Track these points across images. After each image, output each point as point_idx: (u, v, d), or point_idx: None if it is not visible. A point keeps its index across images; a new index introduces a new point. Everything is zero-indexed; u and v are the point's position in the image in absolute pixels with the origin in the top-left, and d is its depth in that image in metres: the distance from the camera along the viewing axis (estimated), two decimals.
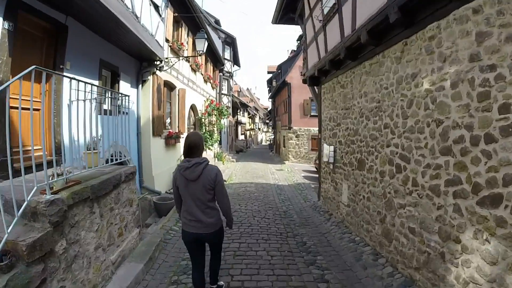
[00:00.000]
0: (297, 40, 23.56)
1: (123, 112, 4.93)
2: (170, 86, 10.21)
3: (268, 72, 34.55)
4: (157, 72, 8.48)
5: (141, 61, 7.98)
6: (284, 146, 21.59)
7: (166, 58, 8.56)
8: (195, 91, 13.28)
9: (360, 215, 5.26)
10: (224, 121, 23.69)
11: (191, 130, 13.29)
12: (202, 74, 14.49)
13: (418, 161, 3.45)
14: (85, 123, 3.27)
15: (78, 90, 3.18)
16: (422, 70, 3.38)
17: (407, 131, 3.71)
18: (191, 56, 10.69)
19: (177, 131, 10.25)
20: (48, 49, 4.24)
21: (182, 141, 10.77)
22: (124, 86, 7.02)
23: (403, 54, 3.80)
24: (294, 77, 20.05)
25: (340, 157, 6.25)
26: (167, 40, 9.16)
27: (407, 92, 3.73)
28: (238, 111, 33.84)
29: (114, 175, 3.75)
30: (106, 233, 3.45)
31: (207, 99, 14.41)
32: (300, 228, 5.91)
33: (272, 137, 38.36)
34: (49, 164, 2.95)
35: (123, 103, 4.92)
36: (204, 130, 13.72)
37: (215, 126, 14.22)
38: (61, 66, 4.37)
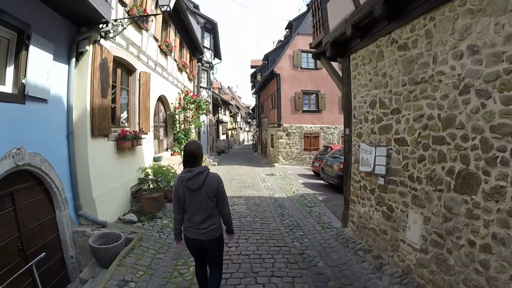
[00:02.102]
0: (286, 28, 21.08)
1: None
2: (126, 68, 7.46)
3: (252, 67, 31.91)
4: (102, 41, 5.78)
5: (78, 24, 5.33)
6: (273, 146, 19.05)
7: (115, 21, 5.81)
8: (166, 79, 10.51)
9: (456, 272, 2.78)
10: (204, 119, 20.95)
11: (162, 129, 10.52)
12: (175, 60, 11.72)
13: None
14: None
15: None
16: None
17: None
18: (152, 15, 7.86)
19: (136, 129, 7.50)
20: None
21: (146, 143, 8.06)
22: (40, 58, 4.28)
23: None
24: (284, 67, 17.55)
25: (403, 166, 3.72)
26: (122, 3, 6.46)
27: None
28: (219, 109, 31.17)
29: None
30: None
31: (181, 91, 11.64)
32: None
33: (256, 136, 35.87)
34: None
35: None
36: (176, 129, 10.95)
37: (192, 123, 11.48)
38: None
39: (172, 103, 10.79)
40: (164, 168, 7.72)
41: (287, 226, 5.87)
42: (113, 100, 6.94)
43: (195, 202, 2.71)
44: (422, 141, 3.33)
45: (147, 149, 8.27)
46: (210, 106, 21.40)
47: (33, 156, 4.05)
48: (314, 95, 18.09)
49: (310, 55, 18.63)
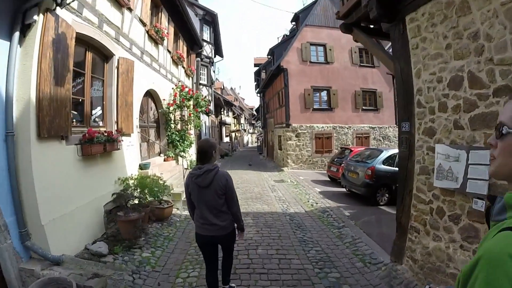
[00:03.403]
0: (292, 21, 19.42)
1: None
2: (100, 52, 5.89)
3: (255, 65, 30.28)
4: (60, 12, 4.27)
5: None
6: (280, 149, 17.36)
7: None
8: (157, 72, 8.90)
9: None
10: (205, 120, 19.33)
11: (152, 131, 8.90)
12: (169, 52, 10.12)
13: None
14: None
15: None
16: None
17: None
18: None
19: (113, 130, 5.89)
20: None
21: (128, 147, 6.47)
22: None
23: None
24: (292, 61, 15.89)
25: None
26: None
27: None
28: (222, 110, 29.60)
29: None
30: None
31: (176, 86, 10.01)
32: None
33: (261, 138, 34.20)
34: None
35: None
36: (171, 130, 9.31)
37: (189, 123, 9.83)
38: None
39: (164, 99, 9.16)
40: (148, 179, 6.09)
41: (315, 262, 4.16)
42: (80, 92, 5.37)
43: (204, 199, 2.76)
44: None
45: (130, 154, 6.65)
46: (212, 106, 19.80)
47: None
48: (325, 91, 16.40)
49: (320, 48, 17.04)
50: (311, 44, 16.35)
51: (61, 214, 4.23)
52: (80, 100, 5.35)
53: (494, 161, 0.81)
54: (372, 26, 4.85)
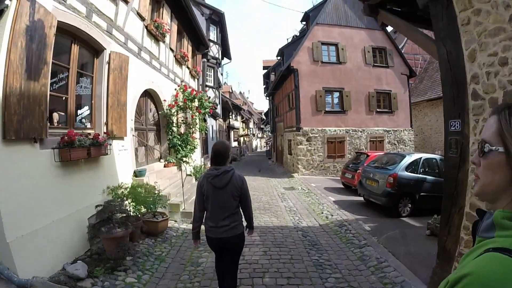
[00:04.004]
0: (302, 21, 18.65)
1: None
2: (89, 45, 5.31)
3: (264, 68, 29.57)
4: None
5: None
6: (290, 154, 16.55)
7: None
8: (158, 71, 8.26)
9: None
10: (212, 123, 18.67)
11: (152, 134, 8.23)
12: (172, 50, 9.48)
13: None
14: None
15: None
16: None
17: None
18: None
19: (102, 133, 5.24)
20: None
21: (120, 151, 5.81)
22: None
23: None
24: (303, 61, 15.12)
25: None
26: None
27: None
28: (230, 114, 28.96)
29: None
30: None
31: (179, 86, 9.33)
32: None
33: (270, 142, 33.42)
34: None
35: None
36: (173, 134, 8.62)
37: (193, 126, 9.13)
38: None
39: (165, 100, 8.49)
40: (140, 188, 5.38)
41: None
42: (63, 89, 4.73)
43: (218, 200, 2.77)
44: None
45: (123, 160, 5.97)
46: (220, 110, 19.15)
47: None
48: (338, 93, 15.57)
49: (331, 47, 16.22)
50: (323, 44, 15.57)
51: (33, 229, 3.59)
52: (64, 98, 4.72)
53: (478, 180, 0.80)
54: (399, 9, 4.08)
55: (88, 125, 5.32)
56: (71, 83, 4.82)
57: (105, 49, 5.52)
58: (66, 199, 4.26)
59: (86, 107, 5.32)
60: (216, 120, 20.22)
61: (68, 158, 4.12)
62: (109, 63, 5.59)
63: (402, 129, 16.49)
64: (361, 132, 15.63)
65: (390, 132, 16.23)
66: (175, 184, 7.50)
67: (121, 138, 6.01)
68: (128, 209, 5.28)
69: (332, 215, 6.80)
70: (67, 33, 4.67)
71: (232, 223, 2.79)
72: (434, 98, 18.79)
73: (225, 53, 20.48)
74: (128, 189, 5.49)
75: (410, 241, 5.36)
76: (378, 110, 16.04)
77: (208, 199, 2.78)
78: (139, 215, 5.53)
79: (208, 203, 2.81)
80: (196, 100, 8.75)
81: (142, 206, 5.51)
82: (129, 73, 6.28)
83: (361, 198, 8.34)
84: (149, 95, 8.14)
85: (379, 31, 16.51)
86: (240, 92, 54.49)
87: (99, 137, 4.88)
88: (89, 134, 4.85)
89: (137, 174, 6.49)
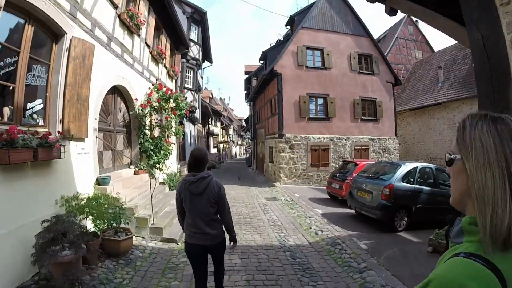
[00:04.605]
0: (287, 25, 18.14)
1: None
2: (46, 27, 4.45)
3: (245, 73, 28.92)
4: None
5: None
6: (272, 161, 15.84)
7: None
8: (130, 66, 7.39)
9: None
10: (191, 128, 17.73)
11: (121, 137, 7.31)
12: (148, 45, 8.63)
13: None
14: None
15: None
16: None
17: None
18: None
19: (55, 132, 4.35)
20: None
21: (79, 155, 4.90)
22: None
23: None
24: (287, 65, 14.55)
25: None
26: None
27: None
28: (210, 119, 28.05)
29: None
30: None
31: (153, 85, 8.44)
32: None
33: (250, 150, 32.65)
34: None
35: None
36: (145, 137, 7.73)
37: (167, 130, 8.25)
38: None
39: (136, 99, 7.59)
40: (99, 201, 4.48)
41: None
42: (10, 76, 3.85)
43: (196, 207, 2.72)
44: None
45: (82, 165, 5.05)
46: (198, 114, 18.25)
47: None
48: (322, 99, 15.07)
49: (317, 52, 15.71)
50: (308, 48, 15.09)
51: None
52: (11, 88, 3.82)
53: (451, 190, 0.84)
54: None
55: (41, 122, 4.41)
56: (21, 70, 3.93)
57: (66, 33, 4.66)
58: (7, 211, 3.36)
59: (39, 101, 4.41)
60: (194, 125, 19.29)
61: (7, 161, 3.22)
62: (69, 50, 4.71)
63: (387, 138, 16.22)
64: (345, 140, 15.17)
65: (375, 141, 15.89)
66: (145, 194, 6.56)
67: (81, 140, 5.10)
68: (84, 225, 4.37)
69: (322, 231, 6.08)
70: (19, 10, 3.83)
71: (213, 230, 2.75)
72: (417, 107, 18.78)
73: (206, 55, 19.70)
74: (83, 200, 4.58)
75: (412, 261, 4.74)
76: (363, 117, 15.69)
77: (187, 206, 2.74)
78: (99, 232, 4.62)
79: (187, 210, 2.76)
80: (171, 100, 7.89)
81: (103, 221, 4.61)
82: (94, 64, 5.40)
83: (351, 210, 7.71)
84: (119, 92, 7.23)
85: (365, 37, 16.29)
86: (221, 98, 53.67)
87: (50, 136, 3.98)
88: (37, 132, 3.94)
89: (100, 182, 5.57)
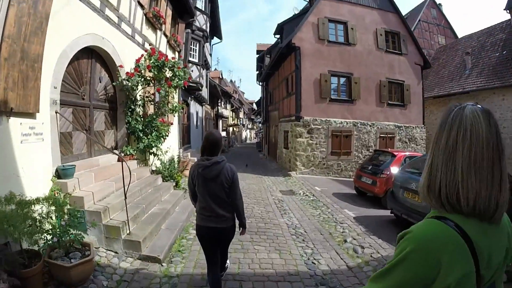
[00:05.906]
0: None
1: None
2: None
3: (258, 52, 26.89)
4: None
5: None
6: (287, 147, 14.19)
7: None
8: (115, 26, 5.80)
9: None
10: (198, 109, 16.13)
11: (101, 114, 5.76)
12: (142, 6, 6.97)
13: None
14: None
15: None
16: None
17: None
18: None
19: None
20: None
21: (24, 137, 3.29)
22: None
23: None
24: (306, 38, 12.68)
25: None
26: None
27: None
28: (219, 101, 26.38)
29: None
30: None
31: (146, 51, 6.77)
32: None
33: (261, 134, 30.97)
34: None
35: None
36: (130, 117, 6.16)
37: (163, 106, 6.64)
38: None
39: (121, 66, 5.98)
40: (40, 205, 2.95)
41: None
42: None
43: (209, 191, 2.67)
44: None
45: (31, 152, 3.52)
46: (206, 94, 16.59)
47: None
48: (345, 78, 13.23)
49: (339, 26, 13.67)
50: (330, 21, 13.15)
51: None
52: None
53: None
54: None
55: None
56: None
57: None
58: None
59: None
60: (202, 106, 17.65)
61: None
62: None
63: (414, 126, 14.40)
64: (370, 126, 13.38)
65: (401, 128, 14.07)
66: (129, 188, 5.00)
67: (29, 115, 3.56)
68: (13, 246, 2.87)
69: (362, 246, 4.48)
70: None
71: (226, 213, 2.73)
72: (442, 95, 16.88)
73: (215, 31, 17.88)
74: (24, 204, 3.05)
75: None
76: (389, 102, 13.84)
77: (200, 190, 2.69)
78: (42, 251, 3.12)
79: (200, 194, 2.71)
80: (166, 68, 6.25)
81: (47, 234, 3.10)
82: (54, 13, 3.80)
83: (388, 212, 6.08)
84: (98, 57, 5.63)
85: (392, 13, 14.26)
86: (231, 80, 51.75)
87: None
88: None
89: (60, 174, 4.05)
